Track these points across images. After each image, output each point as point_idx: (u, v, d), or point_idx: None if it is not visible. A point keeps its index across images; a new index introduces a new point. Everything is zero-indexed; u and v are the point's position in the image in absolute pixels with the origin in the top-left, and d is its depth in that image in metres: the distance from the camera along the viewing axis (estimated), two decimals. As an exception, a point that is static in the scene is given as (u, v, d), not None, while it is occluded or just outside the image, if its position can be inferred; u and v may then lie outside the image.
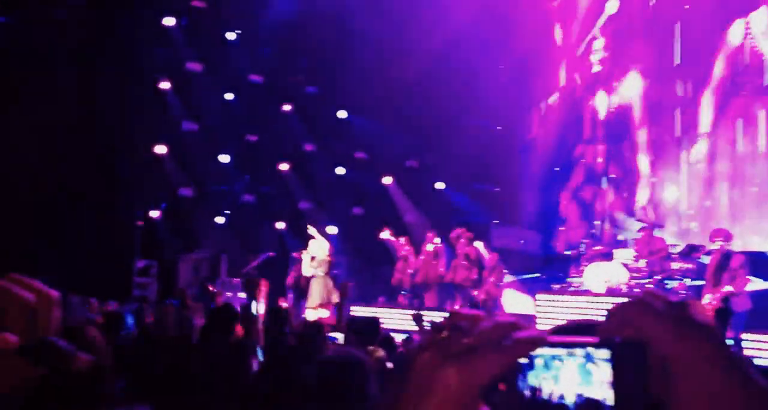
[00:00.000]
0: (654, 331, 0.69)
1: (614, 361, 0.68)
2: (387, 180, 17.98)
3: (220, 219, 17.20)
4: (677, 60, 15.59)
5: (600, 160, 16.62)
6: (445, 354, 0.68)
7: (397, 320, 12.13)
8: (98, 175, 15.23)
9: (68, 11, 15.42)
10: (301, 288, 13.97)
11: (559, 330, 0.93)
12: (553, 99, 17.84)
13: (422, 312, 9.51)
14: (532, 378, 0.70)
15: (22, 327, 0.92)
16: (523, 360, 0.69)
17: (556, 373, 0.69)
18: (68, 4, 15.39)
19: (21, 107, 14.77)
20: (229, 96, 17.32)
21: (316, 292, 12.19)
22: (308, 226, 13.40)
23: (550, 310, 11.71)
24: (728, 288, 9.38)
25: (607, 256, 12.72)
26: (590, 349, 0.68)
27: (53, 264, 13.83)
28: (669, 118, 15.72)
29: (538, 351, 0.69)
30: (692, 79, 15.41)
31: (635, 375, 0.68)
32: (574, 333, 0.77)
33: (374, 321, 5.95)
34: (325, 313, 11.85)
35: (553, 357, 0.69)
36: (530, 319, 11.64)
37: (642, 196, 15.81)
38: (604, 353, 0.68)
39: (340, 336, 6.47)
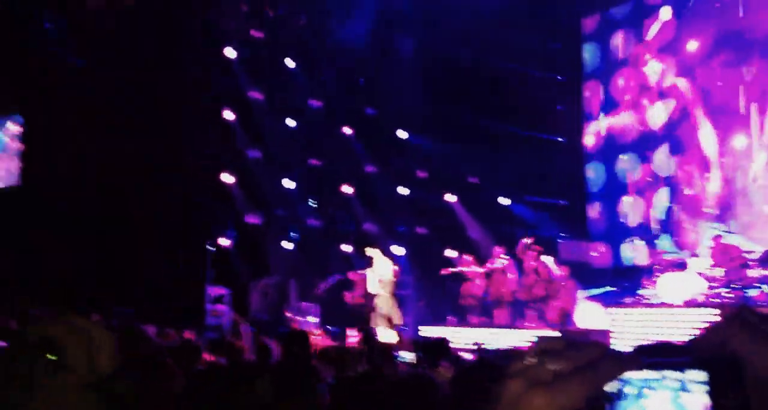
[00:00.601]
0: (752, 349, 0.66)
1: (712, 383, 0.65)
2: (450, 197, 17.93)
3: (287, 245, 17.40)
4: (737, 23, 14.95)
5: (667, 174, 16.18)
6: (532, 381, 0.66)
7: (467, 339, 12.02)
8: (168, 206, 15.62)
9: (133, 47, 15.98)
10: (359, 309, 14.01)
11: (641, 352, 0.89)
12: (613, 110, 17.55)
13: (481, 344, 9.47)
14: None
15: (84, 364, 0.95)
16: (614, 388, 0.67)
17: (647, 404, 0.66)
18: (134, 40, 15.94)
19: (95, 143, 15.35)
20: (290, 122, 17.59)
21: (381, 313, 12.19)
22: (367, 248, 13.42)
23: (626, 324, 11.44)
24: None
25: (681, 266, 12.38)
26: (684, 374, 0.65)
27: (128, 296, 14.22)
28: (732, 105, 15.09)
29: (628, 375, 0.66)
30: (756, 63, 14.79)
31: (734, 396, 0.64)
32: (658, 355, 0.74)
33: (443, 341, 5.92)
34: (397, 336, 11.83)
35: (644, 385, 0.66)
36: (605, 335, 11.39)
37: (711, 195, 15.25)
38: (700, 375, 0.65)
39: (407, 355, 6.46)
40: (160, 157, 15.43)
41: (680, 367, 0.66)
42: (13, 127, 18.07)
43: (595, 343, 0.68)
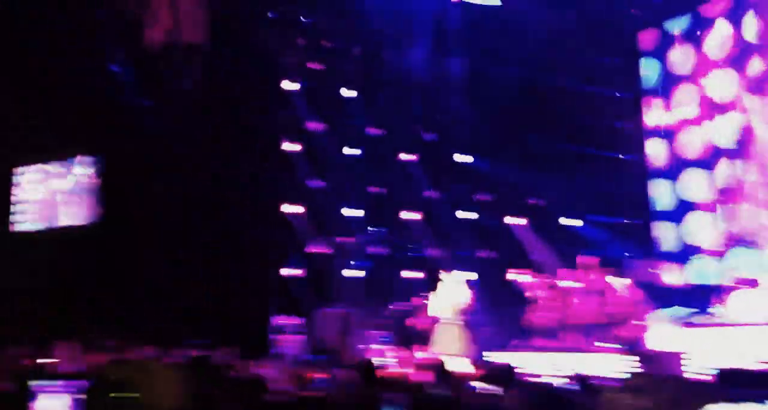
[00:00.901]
0: None
1: None
2: (514, 220, 17.81)
3: (351, 273, 17.50)
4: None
5: (734, 188, 15.76)
6: None
7: (533, 364, 11.86)
8: (232, 238, 15.93)
9: (192, 82, 16.46)
10: (424, 336, 13.93)
11: (721, 381, 0.90)
12: (675, 125, 17.23)
13: None
14: None
15: (152, 402, 1.04)
16: None
17: None
18: (192, 76, 16.44)
19: (161, 178, 15.84)
20: (350, 151, 17.77)
21: (448, 340, 12.10)
22: (445, 272, 13.36)
23: (699, 346, 11.13)
24: None
25: (754, 283, 12.01)
26: (766, 407, 0.66)
27: (196, 329, 14.48)
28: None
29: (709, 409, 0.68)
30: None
31: None
32: (739, 384, 0.75)
33: (508, 367, 5.89)
34: (465, 363, 11.70)
35: None
36: (678, 357, 11.09)
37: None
38: None
39: (477, 384, 6.42)
40: (227, 189, 15.82)
41: (763, 399, 0.67)
42: (85, 168, 18.63)
43: (675, 377, 0.71)
